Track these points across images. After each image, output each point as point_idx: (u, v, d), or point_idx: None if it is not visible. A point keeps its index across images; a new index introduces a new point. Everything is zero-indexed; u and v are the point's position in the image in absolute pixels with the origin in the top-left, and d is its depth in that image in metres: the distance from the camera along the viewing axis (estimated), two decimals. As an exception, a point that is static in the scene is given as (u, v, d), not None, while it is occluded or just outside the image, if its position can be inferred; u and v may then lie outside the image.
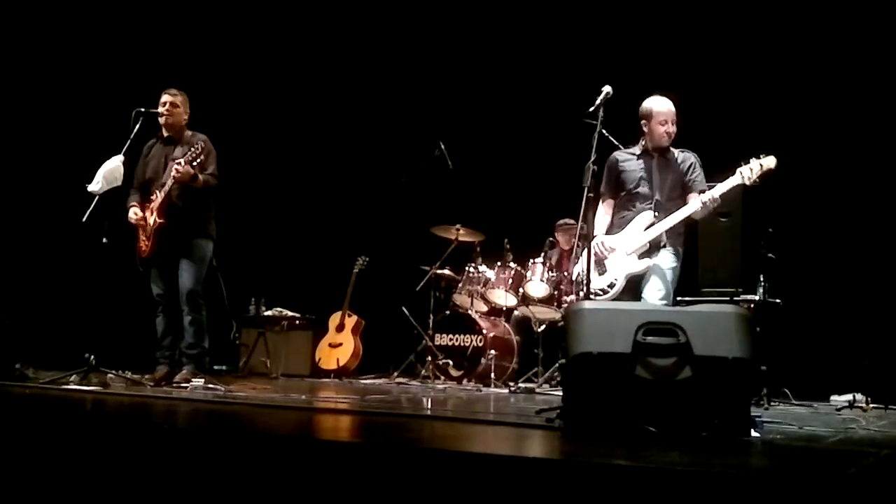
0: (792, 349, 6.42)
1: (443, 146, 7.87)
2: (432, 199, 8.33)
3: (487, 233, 7.98)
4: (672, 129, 5.16)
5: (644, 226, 5.12)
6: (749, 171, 4.90)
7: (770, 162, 4.91)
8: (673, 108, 5.17)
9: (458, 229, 7.88)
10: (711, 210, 5.04)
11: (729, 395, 3.23)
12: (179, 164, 5.58)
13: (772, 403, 5.63)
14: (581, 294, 4.92)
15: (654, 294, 5.00)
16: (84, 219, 5.64)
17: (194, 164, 5.62)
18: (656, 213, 5.11)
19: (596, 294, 5.08)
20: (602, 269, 5.17)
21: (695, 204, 5.00)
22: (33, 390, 5.06)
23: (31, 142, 8.08)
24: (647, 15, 7.89)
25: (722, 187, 4.96)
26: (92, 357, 5.51)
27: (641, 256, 5.11)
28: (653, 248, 5.11)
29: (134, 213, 5.84)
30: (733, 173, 4.95)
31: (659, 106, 5.17)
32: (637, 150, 5.27)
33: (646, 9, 7.89)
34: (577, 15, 8.22)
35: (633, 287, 5.12)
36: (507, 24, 8.56)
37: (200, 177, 5.70)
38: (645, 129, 5.21)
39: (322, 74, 9.30)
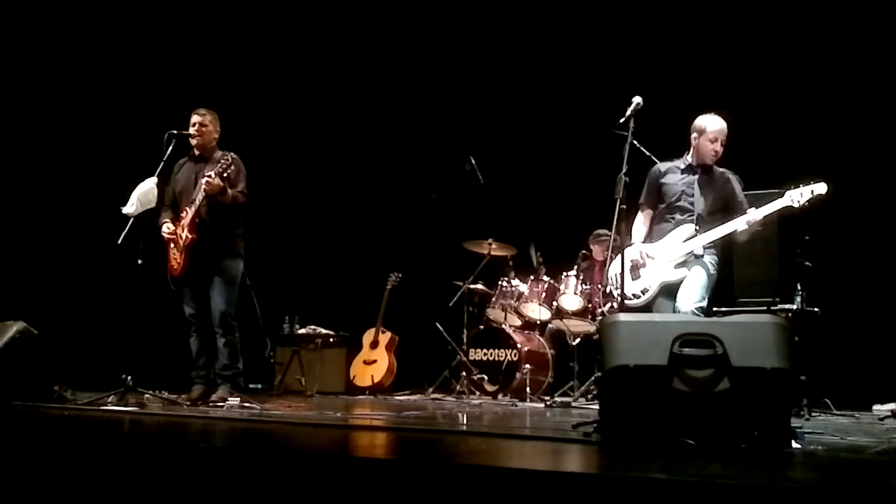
0: (832, 358, 6.32)
1: (473, 161, 7.88)
2: (464, 214, 8.33)
3: (519, 247, 7.96)
4: (720, 149, 5.17)
5: (684, 237, 5.11)
6: (799, 196, 4.86)
7: (821, 188, 4.86)
8: (725, 129, 5.18)
9: (490, 244, 7.86)
10: (752, 231, 5.01)
11: (768, 406, 3.19)
12: (209, 177, 5.64)
13: (812, 414, 5.56)
14: (613, 302, 4.89)
15: (689, 301, 4.98)
16: (119, 241, 5.69)
17: (223, 176, 5.67)
18: (697, 227, 5.10)
19: (626, 298, 5.05)
20: (636, 276, 5.16)
21: (739, 223, 4.96)
22: (72, 412, 5.11)
23: (65, 165, 8.20)
24: (678, 25, 7.85)
25: (768, 209, 4.92)
26: (129, 378, 5.55)
27: (678, 266, 5.09)
28: (690, 258, 5.08)
29: (167, 227, 5.89)
30: (781, 195, 4.91)
31: (713, 124, 5.19)
32: (681, 164, 5.28)
33: (677, 20, 7.85)
34: (607, 26, 8.20)
35: (668, 294, 5.09)
36: (536, 38, 8.56)
37: (229, 191, 5.74)
38: (694, 142, 5.23)
39: (352, 91, 9.34)
